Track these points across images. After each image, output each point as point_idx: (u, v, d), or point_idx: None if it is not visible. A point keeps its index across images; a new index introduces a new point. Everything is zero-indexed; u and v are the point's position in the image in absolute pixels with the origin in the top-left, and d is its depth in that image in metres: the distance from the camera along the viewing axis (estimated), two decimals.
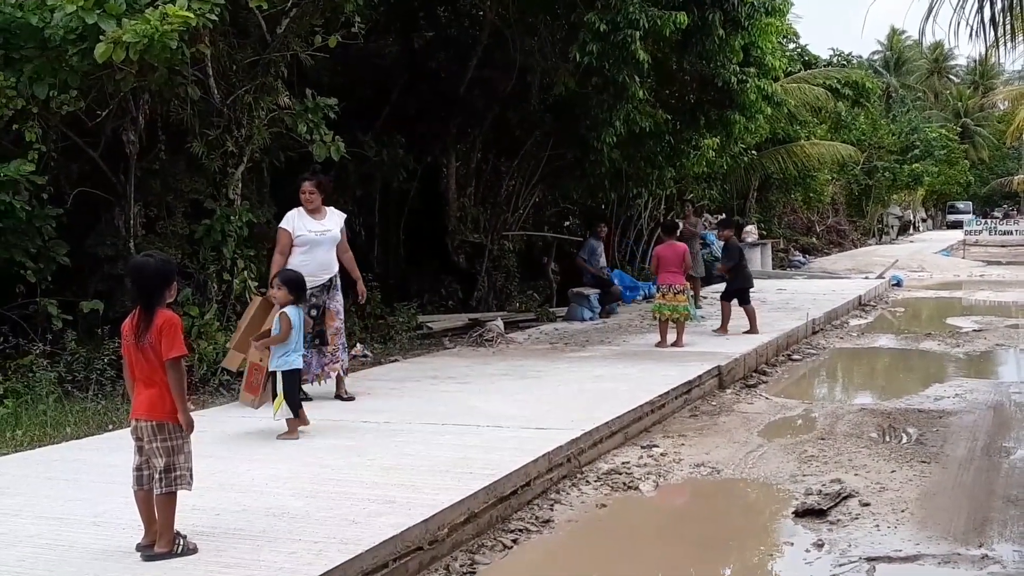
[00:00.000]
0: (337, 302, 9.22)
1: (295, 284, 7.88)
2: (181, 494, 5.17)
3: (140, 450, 5.13)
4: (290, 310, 7.75)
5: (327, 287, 9.11)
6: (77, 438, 7.96)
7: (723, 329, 13.88)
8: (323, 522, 5.52)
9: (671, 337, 12.78)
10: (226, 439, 7.75)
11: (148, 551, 5.03)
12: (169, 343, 4.99)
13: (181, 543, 5.06)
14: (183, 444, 5.12)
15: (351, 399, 9.23)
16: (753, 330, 13.68)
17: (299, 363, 7.87)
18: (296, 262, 8.76)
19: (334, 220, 9.25)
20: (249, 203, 11.16)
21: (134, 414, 5.13)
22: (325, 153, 10.90)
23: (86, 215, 10.69)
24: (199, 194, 10.85)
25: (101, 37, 8.63)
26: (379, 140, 14.85)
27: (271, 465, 6.88)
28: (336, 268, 9.23)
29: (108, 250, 10.56)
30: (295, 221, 9.05)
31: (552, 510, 6.62)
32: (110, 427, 8.26)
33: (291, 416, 7.72)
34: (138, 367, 5.09)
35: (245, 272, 10.68)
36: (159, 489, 5.05)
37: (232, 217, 10.65)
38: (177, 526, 5.14)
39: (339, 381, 9.29)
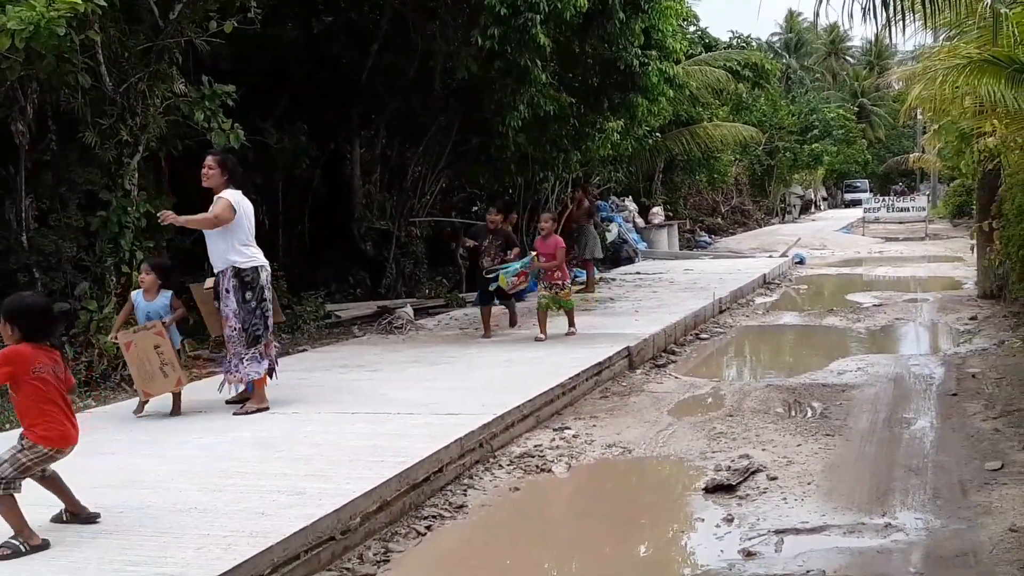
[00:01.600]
0: (227, 306, 8.14)
1: (160, 269, 8.38)
2: (87, 490, 5.27)
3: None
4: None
5: (219, 284, 8.27)
6: None
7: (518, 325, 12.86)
8: (232, 516, 5.42)
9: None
10: (129, 435, 7.56)
11: None
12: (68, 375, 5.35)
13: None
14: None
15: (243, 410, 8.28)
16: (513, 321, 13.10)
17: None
18: None
19: (215, 203, 8.17)
20: (147, 193, 10.89)
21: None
22: (224, 141, 10.66)
23: None
24: (94, 185, 10.52)
25: None
26: (280, 127, 14.62)
27: (176, 460, 6.73)
28: (224, 264, 8.14)
29: None
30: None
31: (465, 495, 6.59)
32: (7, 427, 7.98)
33: None
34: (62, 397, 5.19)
35: (144, 264, 10.41)
36: None
37: (129, 208, 10.37)
38: (79, 527, 5.22)
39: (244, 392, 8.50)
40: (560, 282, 12.08)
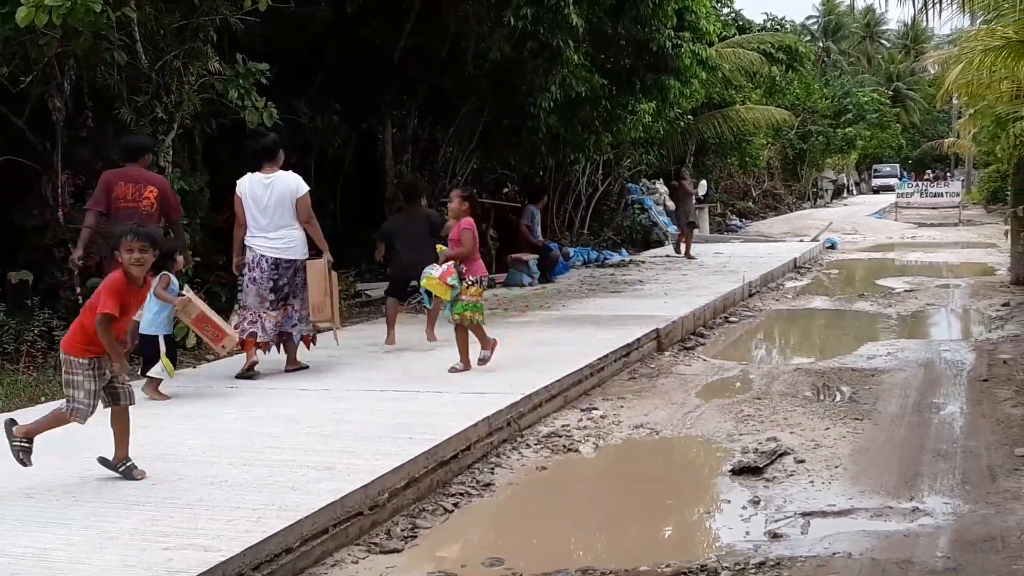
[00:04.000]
0: None
1: None
2: None
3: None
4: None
5: None
6: (7, 410, 7.79)
7: (391, 338, 10.43)
8: (261, 489, 5.48)
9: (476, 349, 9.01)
10: (162, 409, 7.65)
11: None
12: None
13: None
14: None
15: None
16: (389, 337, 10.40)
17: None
18: None
19: None
20: (181, 171, 10.96)
21: None
22: (257, 119, 10.71)
23: (13, 185, 10.44)
24: None
25: (22, 1, 8.39)
26: (313, 107, 14.67)
27: (209, 434, 6.81)
28: None
29: (36, 220, 10.34)
30: None
31: (493, 473, 6.64)
32: (42, 399, 8.09)
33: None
34: None
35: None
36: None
37: None
38: (113, 497, 5.32)
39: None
40: (466, 276, 8.82)
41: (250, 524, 4.92)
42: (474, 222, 8.98)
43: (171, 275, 7.83)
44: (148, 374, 7.95)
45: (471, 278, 8.81)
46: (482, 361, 8.90)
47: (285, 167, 9.06)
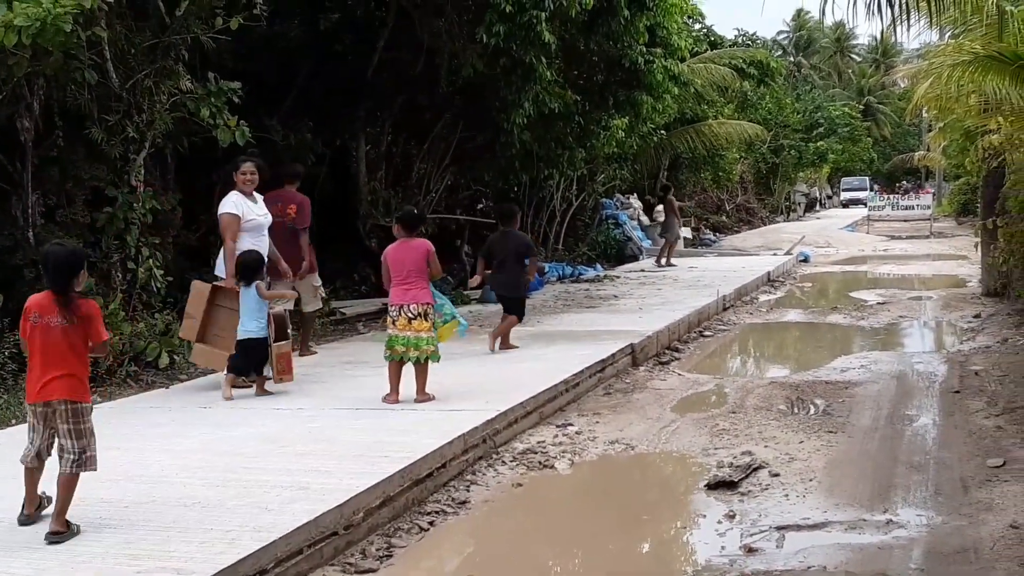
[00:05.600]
0: None
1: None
2: (91, 484, 5.29)
3: (49, 432, 5.19)
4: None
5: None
6: None
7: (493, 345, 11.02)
8: (235, 510, 5.45)
9: (408, 387, 8.33)
10: (135, 430, 7.59)
11: (52, 536, 5.04)
12: (98, 329, 5.23)
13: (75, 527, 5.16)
14: (91, 426, 5.24)
15: None
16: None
17: None
18: (246, 247, 8.90)
19: (263, 204, 9.46)
20: (152, 190, 10.91)
21: (49, 396, 5.11)
22: (229, 138, 10.69)
23: None
24: (100, 181, 10.56)
25: None
26: (286, 124, 14.63)
27: (182, 455, 6.76)
28: None
29: (6, 241, 10.23)
30: (243, 206, 9.05)
31: (468, 491, 6.62)
32: (12, 422, 8.01)
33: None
34: (53, 350, 5.10)
35: (150, 260, 10.46)
36: (70, 469, 5.11)
37: (135, 204, 10.41)
38: (85, 520, 5.19)
39: None
40: (419, 306, 8.24)
41: (224, 546, 4.88)
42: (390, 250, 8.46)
43: (261, 283, 8.64)
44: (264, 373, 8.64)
45: (428, 307, 8.30)
46: (423, 399, 8.27)
47: (261, 186, 9.45)
